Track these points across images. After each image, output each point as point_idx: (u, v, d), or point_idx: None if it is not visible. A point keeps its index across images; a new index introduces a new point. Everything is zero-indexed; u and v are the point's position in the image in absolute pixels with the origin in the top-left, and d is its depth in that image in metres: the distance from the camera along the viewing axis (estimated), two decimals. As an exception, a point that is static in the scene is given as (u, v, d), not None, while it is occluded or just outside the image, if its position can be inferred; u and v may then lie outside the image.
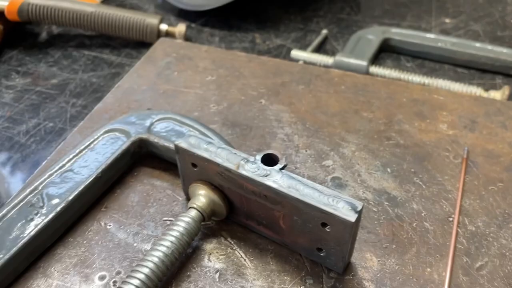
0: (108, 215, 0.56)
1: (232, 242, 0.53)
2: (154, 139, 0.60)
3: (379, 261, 0.51)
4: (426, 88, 0.76)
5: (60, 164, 0.58)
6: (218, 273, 0.50)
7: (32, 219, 0.52)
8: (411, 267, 0.51)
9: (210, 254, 0.52)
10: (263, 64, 0.81)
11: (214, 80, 0.77)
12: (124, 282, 0.45)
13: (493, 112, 0.71)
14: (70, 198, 0.53)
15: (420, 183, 0.60)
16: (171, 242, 0.48)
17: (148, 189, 0.60)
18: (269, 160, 0.50)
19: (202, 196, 0.52)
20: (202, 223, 0.53)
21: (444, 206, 0.57)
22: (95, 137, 0.61)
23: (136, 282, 0.45)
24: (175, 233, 0.49)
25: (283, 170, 0.49)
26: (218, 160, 0.50)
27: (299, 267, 0.51)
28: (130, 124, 0.63)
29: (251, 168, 0.49)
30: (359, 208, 0.44)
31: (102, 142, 0.61)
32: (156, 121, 0.63)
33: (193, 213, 0.51)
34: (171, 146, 0.59)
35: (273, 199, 0.48)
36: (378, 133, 0.67)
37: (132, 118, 0.64)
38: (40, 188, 0.55)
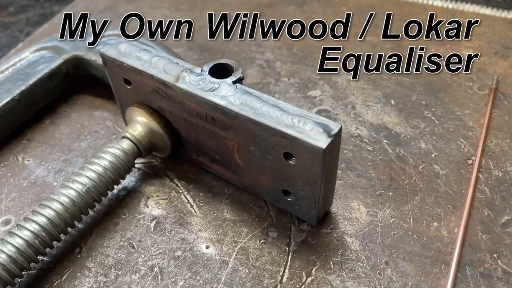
0: (29, 148, 0.45)
1: (179, 185, 0.41)
2: (91, 57, 0.48)
3: (369, 211, 0.38)
4: (449, 9, 0.61)
5: (-23, 84, 0.46)
6: (154, 221, 0.38)
7: None
8: (411, 220, 0.38)
9: (149, 198, 0.40)
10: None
11: None
12: (18, 225, 0.34)
13: (532, 36, 0.56)
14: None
15: (433, 117, 0.46)
16: (89, 178, 0.36)
17: (83, 119, 0.48)
18: (221, 72, 0.37)
19: (139, 123, 0.40)
20: (139, 159, 0.41)
21: (463, 146, 0.43)
22: (22, 56, 0.49)
23: (34, 226, 0.34)
24: (96, 167, 0.37)
25: (237, 84, 0.35)
26: (152, 70, 0.37)
27: (262, 217, 0.38)
28: (70, 41, 0.50)
29: (194, 81, 0.36)
30: (334, 131, 0.31)
31: (30, 60, 0.49)
32: (100, 38, 0.51)
33: (124, 144, 0.39)
34: (112, 64, 0.46)
35: (223, 123, 0.35)
36: (391, 49, 0.53)
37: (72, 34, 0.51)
38: None
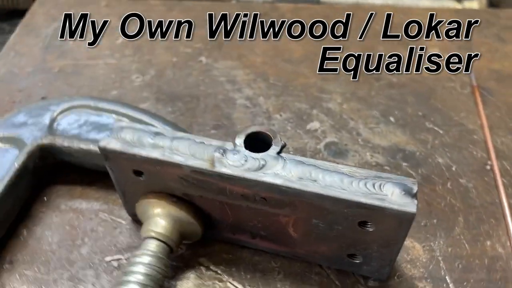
0: (16, 273, 0.36)
1: (219, 271, 0.36)
2: (62, 142, 0.39)
3: (424, 247, 0.37)
4: (397, 9, 0.61)
5: None
6: (211, 325, 0.33)
7: None
8: (465, 245, 0.37)
9: (192, 297, 0.35)
10: (189, 10, 0.61)
11: (127, 42, 0.56)
12: None
13: (483, 24, 0.58)
14: None
15: (436, 128, 0.46)
16: (131, 302, 0.30)
17: (71, 218, 0.39)
18: (256, 142, 0.32)
19: (161, 217, 0.34)
20: (172, 255, 0.35)
21: (474, 152, 0.44)
22: (-33, 156, 0.39)
23: None
24: (136, 279, 0.31)
25: (282, 154, 0.31)
26: (178, 158, 0.31)
27: (324, 284, 0.35)
28: (21, 127, 0.41)
29: (235, 161, 0.31)
30: (415, 189, 0.29)
31: (-21, 162, 0.39)
32: (58, 114, 0.42)
33: (153, 246, 0.33)
34: (94, 147, 0.39)
35: (278, 201, 0.31)
36: (363, 74, 0.52)
37: (21, 117, 0.42)
38: None
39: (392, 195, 0.29)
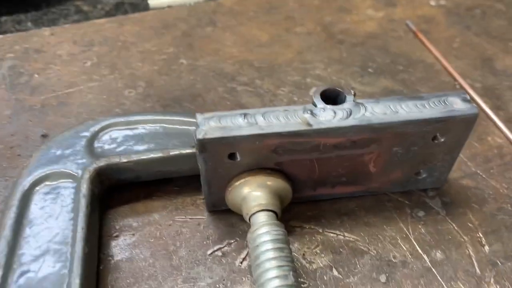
0: (129, 297, 0.35)
1: (313, 226, 0.40)
2: (120, 159, 0.39)
3: (449, 155, 0.46)
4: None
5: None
6: (333, 269, 0.37)
7: None
8: (476, 144, 0.47)
9: (304, 254, 0.38)
10: (141, 21, 0.61)
11: (97, 62, 0.55)
12: None
13: (393, -16, 0.70)
14: (76, 308, 0.30)
15: (405, 68, 0.55)
16: (280, 267, 0.32)
17: (149, 231, 0.39)
18: (328, 98, 0.37)
19: (259, 190, 0.36)
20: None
21: (443, 78, 0.54)
22: (18, 201, 0.36)
23: None
24: (272, 254, 0.33)
25: (357, 100, 0.36)
26: (277, 128, 0.34)
27: (399, 207, 0.41)
28: (61, 160, 0.39)
29: (327, 117, 0.35)
30: (468, 97, 0.36)
31: (37, 205, 0.36)
32: (93, 138, 0.41)
33: (263, 217, 0.35)
34: (154, 155, 0.39)
35: (366, 141, 0.36)
36: (327, 41, 0.59)
37: (54, 152, 0.40)
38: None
39: (457, 105, 0.36)
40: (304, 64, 0.55)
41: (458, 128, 0.36)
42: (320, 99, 0.36)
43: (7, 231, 0.34)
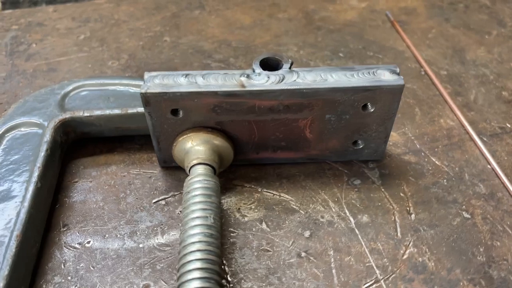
0: (75, 232, 0.39)
1: (253, 186, 0.43)
2: (82, 114, 0.43)
3: (399, 133, 0.48)
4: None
5: (-38, 201, 0.37)
6: (263, 222, 0.40)
7: (-25, 286, 0.32)
8: (427, 125, 0.48)
9: (239, 208, 0.41)
10: (136, 2, 0.66)
11: (90, 36, 0.60)
12: (181, 284, 0.32)
13: (382, -22, 0.72)
14: (20, 230, 0.35)
15: (376, 54, 0.58)
16: (204, 209, 0.36)
17: (105, 179, 0.43)
18: (269, 66, 0.40)
19: (200, 145, 0.40)
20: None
21: (409, 64, 0.56)
22: (-9, 145, 0.41)
23: (198, 273, 0.32)
24: (200, 198, 0.36)
25: (293, 68, 0.39)
26: (213, 88, 0.38)
27: (337, 175, 0.44)
28: (33, 111, 0.44)
29: (260, 80, 0.38)
30: (397, 70, 0.39)
31: (6, 147, 0.41)
32: (65, 95, 0.46)
33: (201, 169, 0.39)
34: (112, 112, 0.43)
35: (299, 105, 0.39)
36: (305, 27, 0.62)
37: (30, 104, 0.45)
38: (-47, 243, 0.35)
39: (384, 76, 0.38)
40: (279, 46, 0.59)
41: (386, 99, 0.39)
42: (258, 65, 0.39)
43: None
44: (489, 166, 0.44)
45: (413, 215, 0.41)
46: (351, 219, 0.40)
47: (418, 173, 0.44)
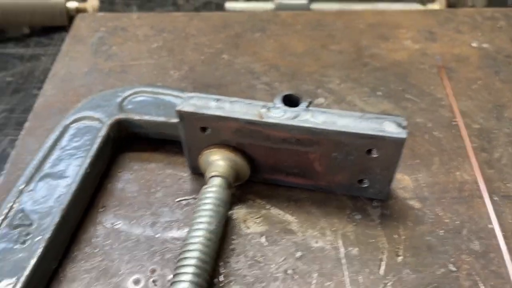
0: (110, 214, 0.48)
1: (263, 202, 0.48)
2: (135, 116, 0.52)
3: (411, 178, 0.50)
4: (376, 12, 0.76)
5: (29, 172, 0.47)
6: (263, 236, 0.45)
7: (24, 242, 0.42)
8: (442, 175, 0.51)
9: (245, 220, 0.47)
10: (207, 19, 0.74)
11: (161, 46, 0.69)
12: (176, 274, 0.39)
13: (444, 21, 0.73)
14: (66, 204, 0.44)
15: (413, 98, 0.60)
16: (210, 216, 0.42)
17: (143, 174, 0.51)
18: (289, 102, 0.45)
19: (220, 160, 0.46)
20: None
21: (443, 113, 0.58)
22: (60, 130, 0.51)
23: (191, 269, 0.38)
24: (210, 206, 0.43)
25: (310, 108, 0.44)
26: (236, 114, 0.44)
27: (341, 207, 0.48)
28: (97, 108, 0.53)
29: (277, 114, 0.44)
30: (404, 123, 0.42)
31: (71, 134, 0.51)
32: (125, 99, 0.54)
33: (217, 181, 0.45)
34: (158, 119, 0.51)
35: (308, 141, 0.44)
36: (353, 62, 0.66)
37: (96, 101, 0.54)
38: (17, 206, 0.44)
39: (389, 128, 0.42)
40: (323, 77, 0.63)
41: (388, 148, 0.42)
42: (280, 99, 0.45)
43: (45, 148, 0.49)
44: (490, 225, 0.46)
45: (400, 257, 0.44)
46: (342, 249, 0.44)
47: (418, 219, 0.47)
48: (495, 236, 0.45)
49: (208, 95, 0.46)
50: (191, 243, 0.40)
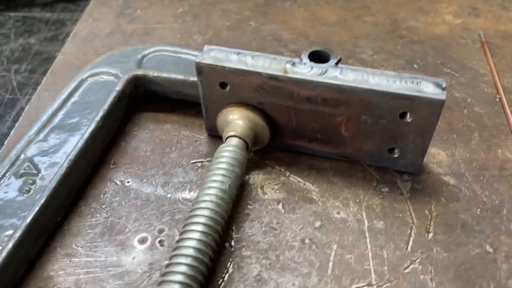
0: (121, 171, 0.45)
1: (283, 169, 0.45)
2: (152, 73, 0.49)
3: (447, 153, 0.46)
4: (415, -15, 0.71)
5: (40, 123, 0.45)
6: (280, 203, 0.42)
7: (29, 191, 0.40)
8: (481, 152, 0.46)
9: (263, 186, 0.44)
10: (236, -13, 0.71)
11: (187, 11, 0.66)
12: (184, 232, 0.36)
13: (490, -3, 0.68)
14: (74, 155, 0.41)
15: (452, 72, 0.56)
16: (224, 175, 0.39)
17: (158, 134, 0.49)
18: (318, 58, 0.42)
19: (240, 120, 0.43)
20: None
21: (486, 89, 0.53)
22: (75, 84, 0.49)
23: (200, 227, 0.35)
24: (224, 165, 0.40)
25: (339, 65, 0.41)
26: (258, 68, 0.40)
27: (367, 178, 0.44)
28: (116, 64, 0.51)
29: (303, 69, 0.40)
30: (444, 85, 0.38)
31: (85, 89, 0.49)
32: (145, 56, 0.52)
33: (234, 141, 0.42)
34: (177, 76, 0.48)
35: (336, 100, 0.40)
36: (388, 33, 0.62)
37: (115, 57, 0.52)
38: (25, 155, 0.42)
39: (427, 88, 0.38)
40: (355, 47, 0.59)
41: (424, 111, 0.38)
42: (307, 55, 0.41)
43: (58, 101, 0.47)
44: (534, 207, 0.41)
45: (431, 234, 0.40)
46: (366, 221, 0.41)
47: (452, 196, 0.42)
48: (539, 219, 0.40)
49: (229, 49, 0.43)
50: (202, 200, 0.37)
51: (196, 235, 0.35)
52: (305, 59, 0.41)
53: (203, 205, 0.37)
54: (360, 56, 0.58)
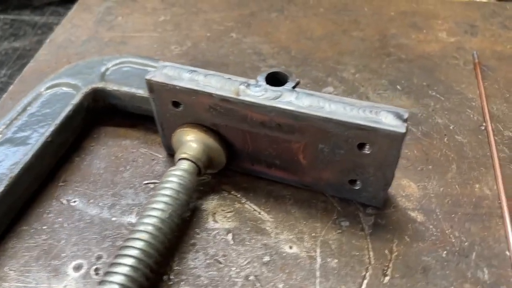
0: (69, 189, 0.43)
1: (239, 195, 0.42)
2: (112, 87, 0.47)
3: (418, 186, 0.42)
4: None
5: (-9, 136, 0.43)
6: (230, 234, 0.39)
7: (-35, 209, 0.38)
8: (457, 186, 0.42)
9: (214, 213, 0.41)
10: (221, -5, 0.69)
11: (169, 20, 0.64)
12: (113, 264, 0.33)
13: (489, 14, 0.64)
14: (16, 173, 0.40)
15: (438, 95, 0.52)
16: (166, 203, 0.36)
17: (116, 151, 0.46)
18: (276, 81, 0.39)
19: (193, 142, 0.40)
20: (199, 177, 0.41)
21: (471, 115, 0.49)
22: (33, 96, 0.47)
23: (130, 261, 0.33)
24: (168, 192, 0.37)
25: (296, 89, 0.38)
26: (210, 89, 0.38)
27: (328, 209, 0.41)
28: (78, 75, 0.49)
29: (256, 92, 0.37)
30: (405, 116, 0.35)
31: (43, 101, 0.47)
32: (109, 68, 0.50)
33: (185, 164, 0.39)
34: (138, 91, 0.46)
35: (290, 127, 0.37)
36: (375, 50, 0.58)
37: (78, 68, 0.50)
38: (-31, 168, 0.41)
39: (386, 119, 0.34)
40: (337, 64, 0.56)
41: (383, 144, 0.35)
42: (263, 77, 0.38)
43: (13, 112, 0.45)
44: (507, 252, 0.37)
45: (387, 278, 0.36)
46: (319, 259, 0.37)
47: (417, 234, 0.39)
48: (510, 266, 0.36)
49: (183, 66, 0.40)
50: (138, 230, 0.35)
51: (124, 270, 0.33)
52: (261, 81, 0.38)
53: (137, 235, 0.34)
54: (341, 74, 0.55)
